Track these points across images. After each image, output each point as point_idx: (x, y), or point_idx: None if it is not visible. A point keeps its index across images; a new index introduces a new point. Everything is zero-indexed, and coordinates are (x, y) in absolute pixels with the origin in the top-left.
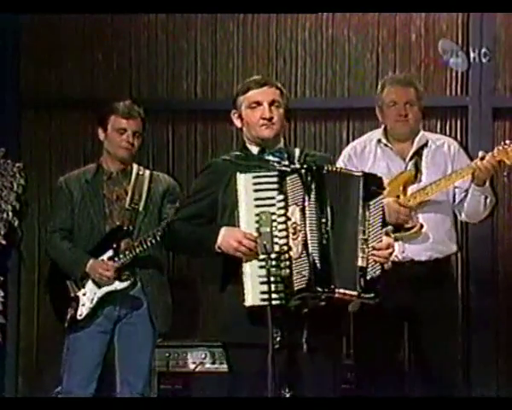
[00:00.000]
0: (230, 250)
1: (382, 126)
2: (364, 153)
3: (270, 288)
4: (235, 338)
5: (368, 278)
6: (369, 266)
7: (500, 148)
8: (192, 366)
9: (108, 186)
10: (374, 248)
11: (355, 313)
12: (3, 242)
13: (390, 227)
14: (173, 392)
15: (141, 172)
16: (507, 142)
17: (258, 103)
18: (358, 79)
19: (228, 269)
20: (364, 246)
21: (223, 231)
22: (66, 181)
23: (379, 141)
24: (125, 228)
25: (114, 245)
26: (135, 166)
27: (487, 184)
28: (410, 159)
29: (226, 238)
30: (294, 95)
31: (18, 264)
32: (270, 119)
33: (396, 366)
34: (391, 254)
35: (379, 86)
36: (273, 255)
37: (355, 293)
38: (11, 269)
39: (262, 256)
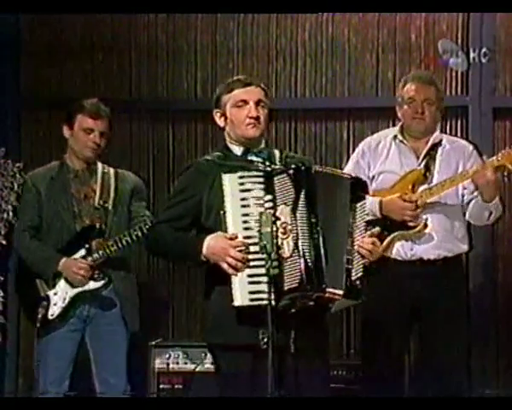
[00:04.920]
0: (217, 261)
1: (400, 123)
2: (378, 148)
3: (259, 288)
4: (223, 339)
5: (352, 278)
6: (354, 266)
7: (504, 152)
8: (192, 366)
9: (75, 184)
10: (358, 245)
11: (364, 312)
12: (3, 242)
13: (377, 228)
14: (173, 392)
15: (106, 170)
16: None
17: (245, 102)
18: (358, 79)
19: (214, 269)
20: (350, 247)
21: (207, 240)
22: (33, 179)
23: (395, 137)
24: (98, 227)
25: (87, 244)
26: (99, 165)
27: (494, 201)
28: (424, 157)
29: (211, 250)
30: (294, 95)
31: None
32: (257, 118)
33: (404, 365)
34: (374, 249)
35: (401, 83)
36: (263, 255)
37: (341, 292)
38: (11, 269)
39: (251, 256)
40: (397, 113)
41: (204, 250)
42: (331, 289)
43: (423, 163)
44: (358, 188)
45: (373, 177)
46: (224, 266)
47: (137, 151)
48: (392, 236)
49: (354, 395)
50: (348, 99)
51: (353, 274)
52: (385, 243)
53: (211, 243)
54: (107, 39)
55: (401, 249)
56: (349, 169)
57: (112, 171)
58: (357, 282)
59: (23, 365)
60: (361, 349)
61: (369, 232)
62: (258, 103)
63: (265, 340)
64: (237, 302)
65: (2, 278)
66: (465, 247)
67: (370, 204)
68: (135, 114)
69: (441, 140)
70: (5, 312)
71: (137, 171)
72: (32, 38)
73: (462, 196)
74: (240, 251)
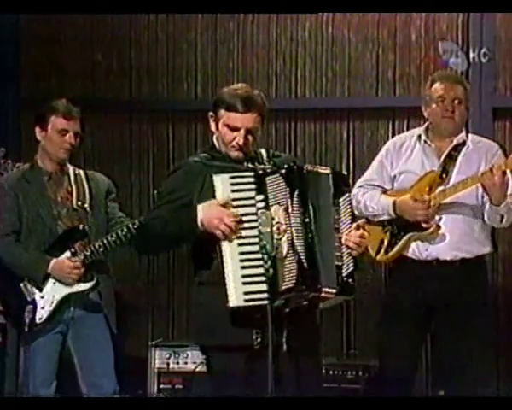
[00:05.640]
0: (211, 228)
1: (425, 124)
2: (402, 148)
3: (254, 288)
4: (216, 341)
5: (344, 274)
6: (344, 262)
7: None
8: (192, 366)
9: (51, 186)
10: (346, 239)
11: (381, 310)
12: None
13: (363, 220)
14: (173, 392)
15: (77, 172)
16: None
17: (236, 128)
18: (358, 79)
19: (205, 270)
20: (338, 243)
21: (201, 207)
22: (9, 182)
23: (419, 137)
24: (81, 228)
25: (71, 246)
26: (70, 166)
27: (503, 204)
28: (445, 158)
29: (207, 215)
30: (294, 95)
31: None
32: (243, 145)
33: (419, 364)
34: (361, 242)
35: (427, 83)
36: (257, 255)
37: (335, 291)
38: None
39: (245, 256)
40: (423, 113)
41: (200, 215)
42: (326, 289)
43: (440, 165)
44: (340, 182)
45: (394, 176)
46: (217, 232)
47: (137, 151)
48: (407, 236)
49: (354, 396)
50: (348, 99)
51: (344, 270)
52: (401, 243)
53: (205, 210)
54: (107, 39)
55: (416, 249)
56: (374, 168)
57: (82, 172)
58: (349, 277)
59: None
60: (377, 347)
61: (354, 225)
62: (249, 131)
63: (259, 340)
64: (232, 303)
65: None
66: (486, 249)
67: (385, 204)
68: (135, 114)
69: (465, 141)
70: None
71: (138, 171)
72: (32, 37)
73: (482, 197)
74: (232, 219)
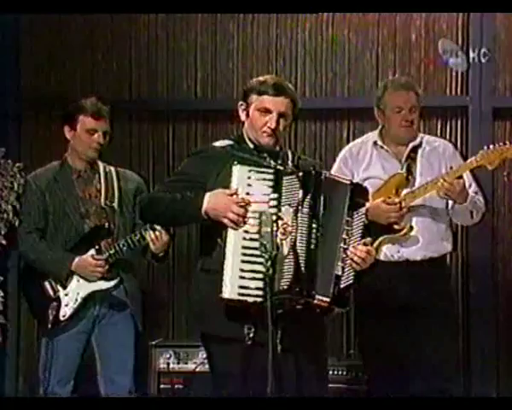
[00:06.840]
0: (218, 217)
1: (378, 128)
2: (359, 155)
3: (249, 284)
4: (209, 329)
5: (341, 286)
6: (344, 274)
7: (483, 152)
8: (192, 366)
9: (79, 185)
10: (351, 252)
11: (355, 313)
12: (3, 242)
13: (369, 239)
14: (173, 392)
15: (107, 170)
16: (493, 145)
17: (269, 111)
18: (358, 79)
19: (208, 257)
20: (343, 255)
21: (208, 196)
22: (35, 180)
23: (375, 143)
24: (106, 227)
25: (97, 245)
26: (100, 164)
27: (468, 200)
28: (405, 160)
29: (212, 205)
30: None
31: (18, 264)
32: (275, 129)
33: (396, 364)
34: (367, 258)
35: (379, 88)
36: (259, 252)
37: (328, 300)
38: (11, 269)
39: (247, 251)
40: (376, 117)
41: (205, 205)
42: (320, 296)
43: (405, 167)
44: (358, 194)
45: None
46: (225, 221)
47: (137, 151)
48: (379, 240)
49: (354, 396)
50: (348, 99)
51: (342, 282)
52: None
53: (212, 199)
54: (107, 39)
55: (388, 252)
56: None
57: (113, 170)
58: (346, 290)
59: (23, 365)
60: (358, 350)
61: (361, 241)
62: (281, 115)
63: (251, 336)
64: (225, 294)
65: (2, 278)
66: (449, 247)
67: None
68: (135, 114)
69: (421, 142)
70: (5, 312)
71: (138, 171)
72: (32, 38)
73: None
74: (241, 207)
